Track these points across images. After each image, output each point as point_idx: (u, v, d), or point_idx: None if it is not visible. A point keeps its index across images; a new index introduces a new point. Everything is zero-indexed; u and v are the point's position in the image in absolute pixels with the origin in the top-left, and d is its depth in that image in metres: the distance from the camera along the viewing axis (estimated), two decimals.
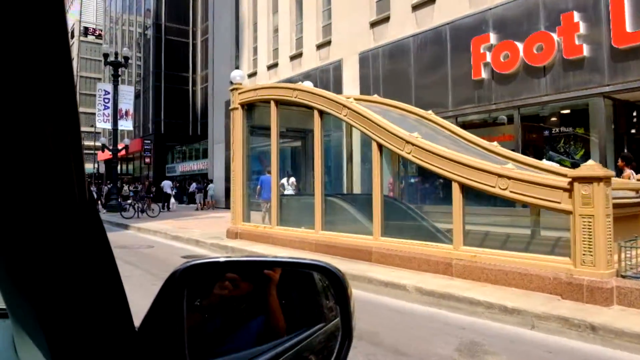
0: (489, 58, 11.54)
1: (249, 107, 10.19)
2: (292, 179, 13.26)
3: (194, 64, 36.38)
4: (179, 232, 11.86)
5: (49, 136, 0.46)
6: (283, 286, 0.85)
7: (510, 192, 5.19)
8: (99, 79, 59.14)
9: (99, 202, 23.87)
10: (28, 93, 0.44)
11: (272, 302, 0.84)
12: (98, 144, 52.76)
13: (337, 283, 0.88)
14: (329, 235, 7.60)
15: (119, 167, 26.38)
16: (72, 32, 67.61)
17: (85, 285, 0.53)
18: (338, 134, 11.25)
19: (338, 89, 15.12)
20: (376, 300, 5.58)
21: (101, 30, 59.87)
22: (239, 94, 10.19)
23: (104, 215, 19.83)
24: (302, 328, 0.88)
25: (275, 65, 19.60)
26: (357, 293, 6.10)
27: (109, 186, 23.86)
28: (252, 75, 21.65)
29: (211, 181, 22.73)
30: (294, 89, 8.52)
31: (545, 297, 4.77)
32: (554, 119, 11.15)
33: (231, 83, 10.52)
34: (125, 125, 22.69)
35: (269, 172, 13.57)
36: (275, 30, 20.25)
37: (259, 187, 11.16)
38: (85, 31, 66.14)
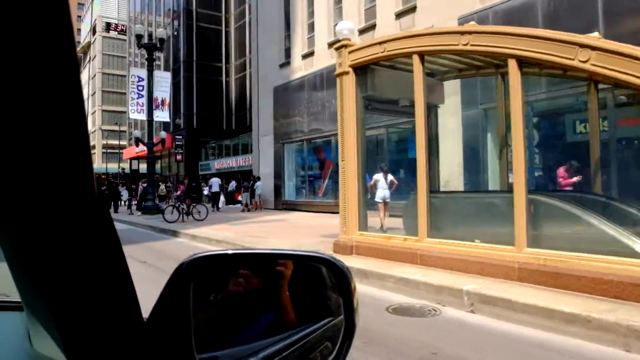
0: None
1: (363, 72, 7.39)
2: (391, 177, 10.41)
3: (227, 53, 33.69)
4: (255, 243, 9.06)
5: (56, 131, 0.45)
6: (292, 279, 0.83)
7: None
8: (123, 77, 56.99)
9: (133, 203, 21.31)
10: (30, 85, 0.42)
11: (283, 298, 0.82)
12: (123, 142, 50.65)
13: (341, 277, 0.85)
14: (549, 255, 4.68)
15: (145, 166, 23.84)
16: (94, 29, 65.68)
17: (95, 278, 0.54)
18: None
19: None
20: None
21: (124, 26, 57.72)
22: (350, 52, 7.41)
23: (141, 218, 17.19)
24: (310, 321, 0.86)
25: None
26: None
27: (143, 185, 21.24)
28: (308, 56, 18.80)
29: (258, 178, 19.95)
30: (463, 32, 5.60)
31: None
32: None
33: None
34: (162, 115, 20.06)
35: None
36: (337, 2, 17.40)
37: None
38: (108, 27, 64.07)
